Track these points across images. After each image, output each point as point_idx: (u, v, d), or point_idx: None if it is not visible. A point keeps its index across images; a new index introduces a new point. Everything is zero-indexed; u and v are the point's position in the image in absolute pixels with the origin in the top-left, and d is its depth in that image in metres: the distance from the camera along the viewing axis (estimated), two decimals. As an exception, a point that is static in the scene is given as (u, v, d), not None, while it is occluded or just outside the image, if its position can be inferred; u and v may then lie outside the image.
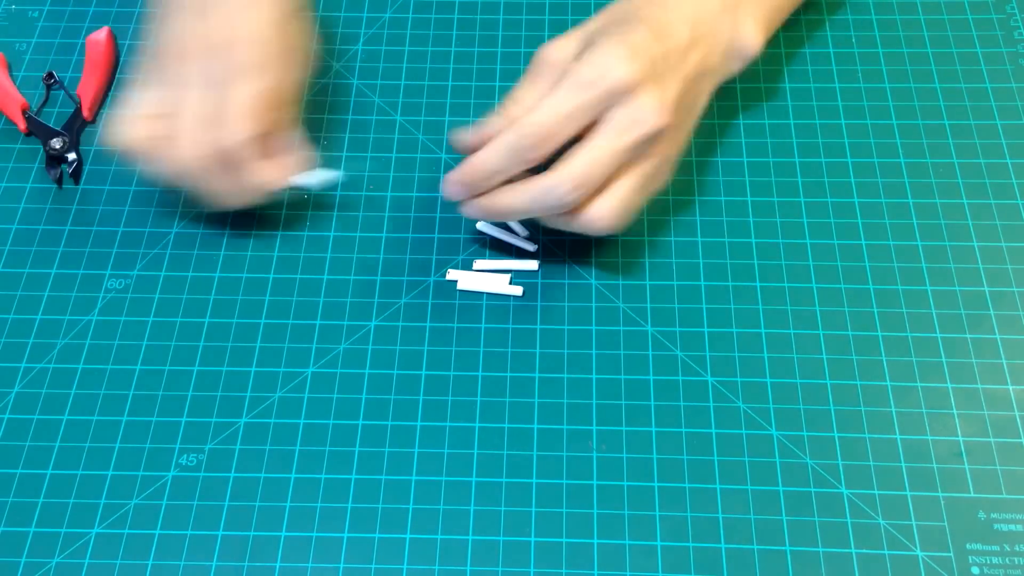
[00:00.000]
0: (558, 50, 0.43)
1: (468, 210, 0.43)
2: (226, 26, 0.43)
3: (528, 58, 0.53)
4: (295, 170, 0.45)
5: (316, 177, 0.46)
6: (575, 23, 0.54)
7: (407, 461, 0.42)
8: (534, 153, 0.40)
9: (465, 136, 0.43)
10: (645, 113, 0.40)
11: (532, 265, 0.46)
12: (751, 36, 0.45)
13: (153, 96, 0.43)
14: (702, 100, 0.45)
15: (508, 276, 0.46)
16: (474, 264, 0.46)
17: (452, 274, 0.46)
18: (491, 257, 0.47)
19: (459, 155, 0.50)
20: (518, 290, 0.45)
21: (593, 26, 0.43)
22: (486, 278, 0.46)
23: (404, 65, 0.54)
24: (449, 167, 0.49)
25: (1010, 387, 0.43)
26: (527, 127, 0.40)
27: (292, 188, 0.46)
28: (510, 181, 0.42)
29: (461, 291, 0.46)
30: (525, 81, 0.44)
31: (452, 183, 0.42)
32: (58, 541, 0.40)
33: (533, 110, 0.40)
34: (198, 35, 0.43)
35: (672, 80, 0.41)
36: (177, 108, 0.42)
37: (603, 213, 0.41)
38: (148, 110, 0.43)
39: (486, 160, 0.41)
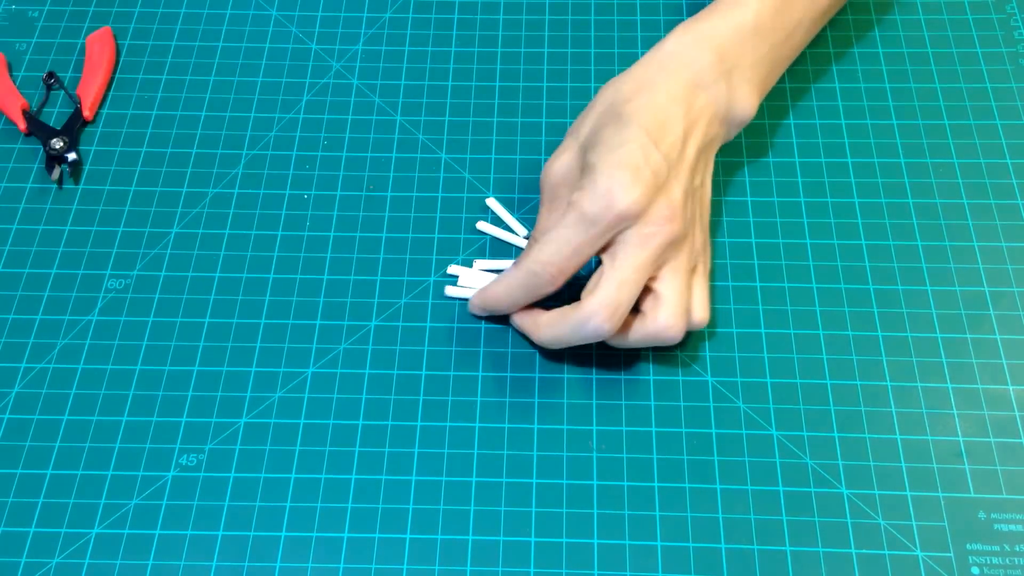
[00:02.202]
0: (557, 171, 0.42)
1: (473, 311, 0.45)
2: None
3: (528, 58, 0.53)
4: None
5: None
6: (575, 23, 0.55)
7: (407, 461, 0.42)
8: (548, 289, 0.40)
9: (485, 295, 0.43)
10: (655, 225, 0.39)
11: None
12: (745, 102, 0.44)
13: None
14: (709, 174, 0.44)
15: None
16: (474, 264, 0.46)
17: (453, 269, 0.46)
18: (491, 257, 0.47)
19: (461, 154, 0.50)
20: None
21: (584, 133, 0.42)
22: (485, 279, 0.46)
23: (404, 65, 0.54)
24: (449, 167, 0.50)
25: (1010, 387, 0.43)
26: (536, 265, 0.40)
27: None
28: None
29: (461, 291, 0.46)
30: (542, 210, 0.43)
31: (473, 306, 0.44)
32: (58, 541, 0.40)
33: (541, 246, 0.40)
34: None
35: (675, 181, 0.40)
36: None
37: (667, 323, 0.40)
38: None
39: (500, 296, 0.42)
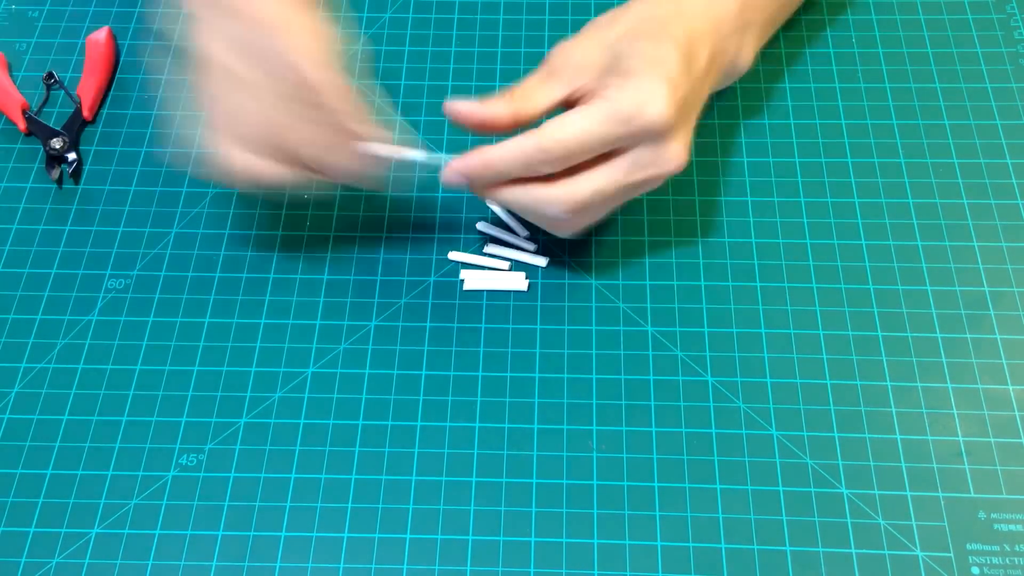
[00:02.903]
0: (580, 52, 0.41)
1: (451, 176, 0.41)
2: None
3: (528, 58, 0.53)
4: (392, 138, 0.41)
5: (421, 154, 0.42)
6: (575, 23, 0.55)
7: (407, 461, 0.42)
8: (548, 169, 0.39)
9: (462, 107, 0.41)
10: (668, 157, 0.39)
11: (541, 262, 0.46)
12: (748, 57, 0.45)
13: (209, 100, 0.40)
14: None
15: (508, 265, 0.46)
16: (485, 248, 0.46)
17: (454, 255, 0.46)
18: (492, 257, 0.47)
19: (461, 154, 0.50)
20: (523, 284, 0.45)
21: (615, 33, 0.41)
22: (493, 275, 0.46)
23: (404, 65, 0.54)
24: (449, 167, 0.50)
25: (1010, 387, 0.43)
26: (549, 143, 0.38)
27: (397, 162, 0.42)
28: None
29: (461, 291, 0.46)
30: (537, 76, 0.42)
31: (454, 171, 0.41)
32: (58, 541, 0.40)
33: (562, 126, 0.38)
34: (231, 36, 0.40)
35: (693, 117, 0.40)
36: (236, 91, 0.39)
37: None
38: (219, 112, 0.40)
39: (498, 162, 0.40)
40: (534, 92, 0.41)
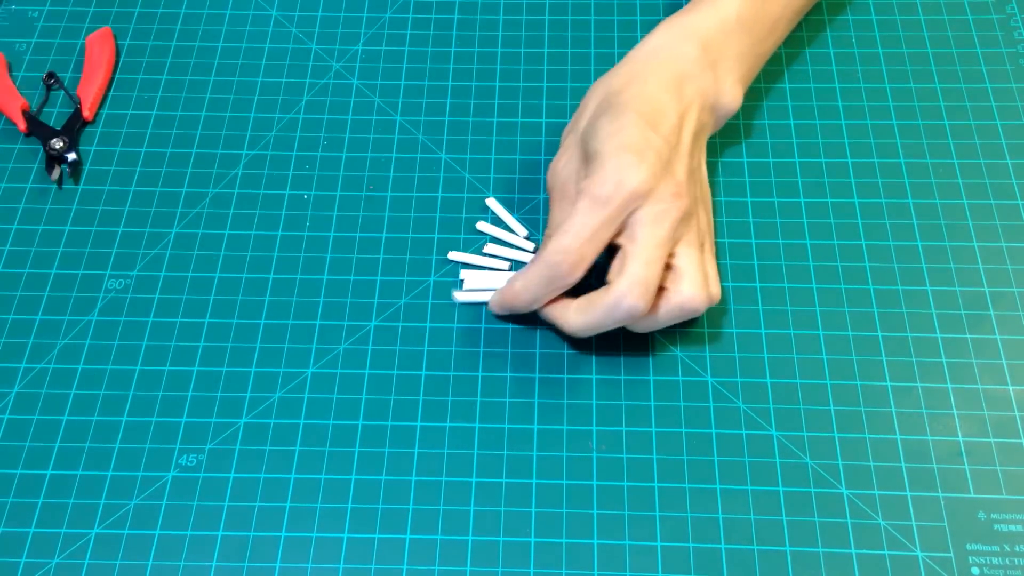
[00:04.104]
0: (563, 169, 0.43)
1: (493, 310, 0.44)
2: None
3: (528, 58, 0.53)
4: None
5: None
6: (575, 23, 0.55)
7: (407, 461, 0.42)
8: (568, 279, 0.40)
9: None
10: (668, 203, 0.40)
11: None
12: (731, 93, 0.45)
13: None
14: (703, 159, 0.45)
15: (509, 265, 0.46)
16: (485, 248, 0.46)
17: (454, 255, 0.46)
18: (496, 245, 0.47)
19: (461, 154, 0.50)
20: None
21: (582, 125, 0.43)
22: (492, 276, 0.46)
23: (404, 65, 0.54)
24: (449, 167, 0.50)
25: (1010, 387, 0.43)
26: (555, 255, 0.40)
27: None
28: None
29: (459, 305, 0.46)
30: (553, 209, 0.43)
31: (493, 306, 0.44)
32: (58, 541, 0.40)
33: (558, 237, 0.40)
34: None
35: (677, 161, 0.41)
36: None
37: (690, 293, 0.40)
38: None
39: (521, 293, 0.41)
40: (561, 219, 0.42)
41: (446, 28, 0.55)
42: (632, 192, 0.39)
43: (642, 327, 0.42)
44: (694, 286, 0.40)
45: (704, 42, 0.44)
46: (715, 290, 0.42)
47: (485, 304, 0.45)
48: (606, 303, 0.39)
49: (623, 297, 0.39)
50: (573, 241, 0.39)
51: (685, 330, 0.44)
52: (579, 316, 0.41)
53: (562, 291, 0.41)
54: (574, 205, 0.40)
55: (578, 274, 0.40)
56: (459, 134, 0.51)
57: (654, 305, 0.40)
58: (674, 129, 0.42)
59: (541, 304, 0.42)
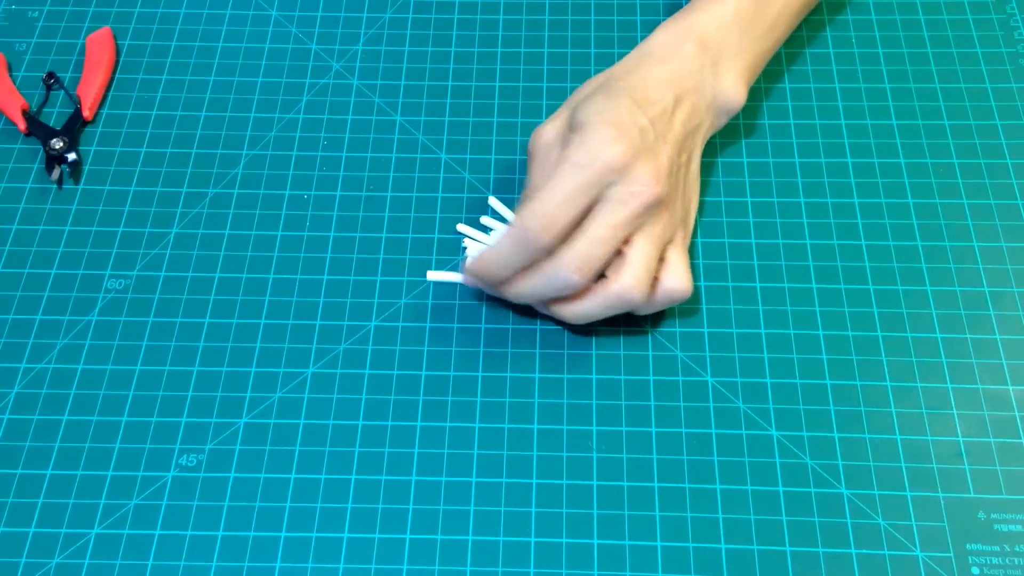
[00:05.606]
0: (549, 133, 0.43)
1: (466, 281, 0.43)
2: None
3: (528, 58, 0.53)
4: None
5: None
6: (575, 23, 0.55)
7: (407, 461, 0.42)
8: (540, 242, 0.39)
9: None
10: (640, 185, 0.39)
11: None
12: (733, 91, 0.45)
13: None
14: (696, 157, 0.45)
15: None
16: (481, 219, 0.46)
17: (462, 227, 0.45)
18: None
19: (461, 154, 0.50)
20: None
21: (576, 100, 0.44)
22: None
23: (404, 65, 0.54)
24: (449, 167, 0.50)
25: (1010, 387, 0.43)
26: (528, 218, 0.39)
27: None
28: None
29: (461, 290, 0.46)
30: (532, 171, 0.43)
31: (467, 273, 0.43)
32: (58, 541, 0.40)
33: (531, 200, 0.40)
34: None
35: (662, 146, 0.41)
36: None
37: (627, 283, 0.40)
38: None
39: (497, 256, 0.41)
40: (538, 183, 0.42)
41: (446, 28, 0.55)
42: (606, 163, 0.39)
43: (582, 312, 0.41)
44: (631, 276, 0.40)
45: (703, 40, 0.45)
46: (674, 285, 0.41)
47: (459, 284, 0.45)
48: (544, 271, 0.40)
49: (560, 266, 0.39)
50: (547, 204, 0.39)
51: (685, 330, 0.45)
52: (523, 281, 0.41)
53: (537, 256, 0.40)
54: (553, 169, 0.40)
55: (549, 238, 0.39)
56: (459, 134, 0.51)
57: (592, 288, 0.41)
58: (663, 116, 0.42)
59: (511, 272, 0.41)
